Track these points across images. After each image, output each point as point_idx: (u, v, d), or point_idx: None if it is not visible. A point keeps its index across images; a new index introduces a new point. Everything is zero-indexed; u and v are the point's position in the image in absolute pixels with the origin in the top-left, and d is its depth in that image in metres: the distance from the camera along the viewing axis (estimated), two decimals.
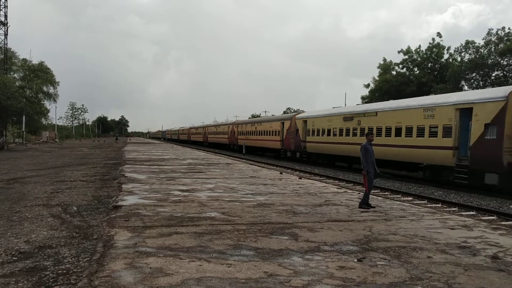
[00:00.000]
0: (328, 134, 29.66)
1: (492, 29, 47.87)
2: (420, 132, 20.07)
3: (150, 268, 5.16)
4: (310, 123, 33.00)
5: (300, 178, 17.65)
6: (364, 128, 24.54)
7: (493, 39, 46.23)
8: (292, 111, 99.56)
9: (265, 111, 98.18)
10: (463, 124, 17.99)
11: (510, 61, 44.86)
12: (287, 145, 37.16)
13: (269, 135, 42.13)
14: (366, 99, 59.58)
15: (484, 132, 16.70)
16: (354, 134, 26.25)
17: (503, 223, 11.12)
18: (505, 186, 16.28)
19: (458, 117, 18.12)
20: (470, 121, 17.42)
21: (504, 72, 46.09)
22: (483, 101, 17.13)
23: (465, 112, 17.88)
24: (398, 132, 21.81)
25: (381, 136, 22.87)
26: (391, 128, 22.42)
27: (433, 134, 19.25)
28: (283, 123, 38.66)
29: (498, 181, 16.22)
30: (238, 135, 54.06)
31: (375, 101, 46.70)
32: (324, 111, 33.21)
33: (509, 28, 46.04)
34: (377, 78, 60.00)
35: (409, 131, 20.90)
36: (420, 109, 20.29)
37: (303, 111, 49.60)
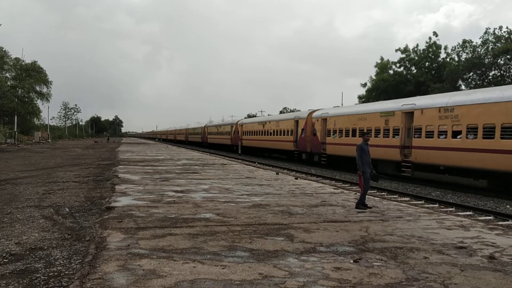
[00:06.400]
0: None
1: (489, 28, 48.26)
2: None
3: (143, 270, 5.08)
4: None
5: (296, 178, 17.58)
6: None
7: (490, 38, 46.49)
8: (289, 110, 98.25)
9: (261, 111, 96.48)
10: None
11: (507, 61, 45.13)
12: None
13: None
14: (363, 98, 59.66)
15: None
16: None
17: (499, 223, 11.09)
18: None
19: None
20: None
21: (501, 72, 46.37)
22: None
23: None
24: None
25: None
26: None
27: None
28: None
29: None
30: (325, 136, 28.96)
31: (372, 101, 46.38)
32: None
33: (507, 27, 46.38)
34: (374, 77, 60.11)
35: None
36: None
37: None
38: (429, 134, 19.33)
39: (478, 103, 17.09)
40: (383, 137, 22.48)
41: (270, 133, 39.94)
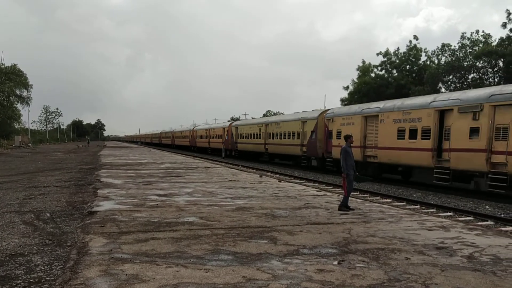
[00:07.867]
0: None
1: (465, 33, 49.32)
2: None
3: (126, 275, 5.04)
4: None
5: (279, 181, 17.64)
6: None
7: (467, 42, 47.52)
8: (272, 113, 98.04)
9: (245, 114, 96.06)
10: None
11: (486, 64, 46.16)
12: None
13: None
14: (345, 101, 60.16)
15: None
16: None
17: (479, 223, 11.33)
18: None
19: None
20: None
21: (480, 75, 47.38)
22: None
23: None
24: None
25: None
26: None
27: None
28: None
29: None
30: None
31: (354, 103, 46.67)
32: None
33: (483, 31, 47.52)
34: (356, 80, 60.68)
35: None
36: None
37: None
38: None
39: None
40: None
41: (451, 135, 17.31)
